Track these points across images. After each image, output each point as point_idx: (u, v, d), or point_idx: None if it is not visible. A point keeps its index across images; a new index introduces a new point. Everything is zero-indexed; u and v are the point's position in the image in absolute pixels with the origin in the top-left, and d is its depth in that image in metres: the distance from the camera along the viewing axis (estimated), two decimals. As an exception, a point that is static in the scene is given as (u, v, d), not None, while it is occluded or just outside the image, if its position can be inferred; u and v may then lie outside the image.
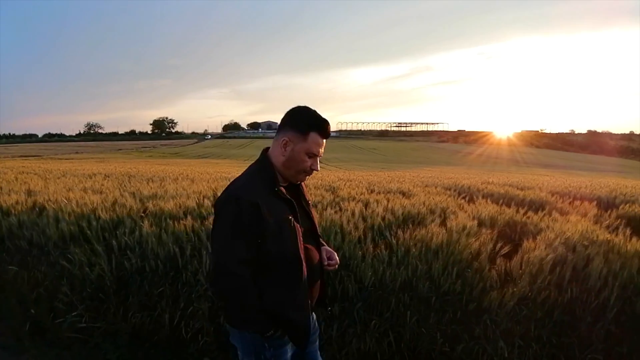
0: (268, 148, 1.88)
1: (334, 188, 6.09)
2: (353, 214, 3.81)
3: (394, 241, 3.21)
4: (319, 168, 1.86)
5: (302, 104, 1.84)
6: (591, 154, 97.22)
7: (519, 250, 3.25)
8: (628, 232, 3.73)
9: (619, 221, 4.79)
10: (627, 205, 5.88)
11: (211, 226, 1.80)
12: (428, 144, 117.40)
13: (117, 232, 3.58)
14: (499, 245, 3.27)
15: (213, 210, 1.78)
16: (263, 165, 1.83)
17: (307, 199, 1.99)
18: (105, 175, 9.48)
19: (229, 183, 1.87)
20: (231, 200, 1.71)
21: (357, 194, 5.23)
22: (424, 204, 4.49)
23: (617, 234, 3.66)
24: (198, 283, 3.10)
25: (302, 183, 1.96)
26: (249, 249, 1.69)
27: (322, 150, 1.83)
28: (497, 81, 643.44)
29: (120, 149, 74.67)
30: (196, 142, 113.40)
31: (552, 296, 2.91)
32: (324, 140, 1.83)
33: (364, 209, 4.08)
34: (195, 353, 3.02)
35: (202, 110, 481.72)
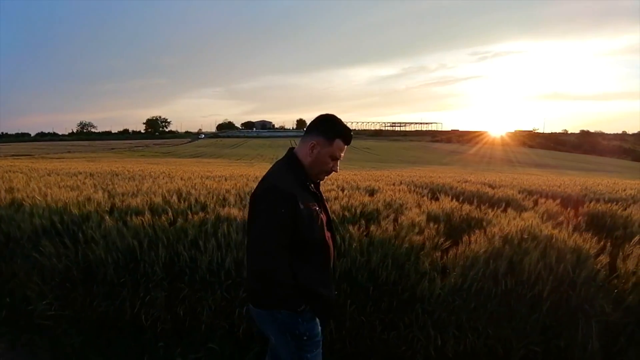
0: (293, 147, 2.15)
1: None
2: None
3: (338, 236, 3.39)
4: (338, 170, 2.14)
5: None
6: (583, 153, 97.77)
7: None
8: (571, 228, 3.92)
9: (578, 219, 4.99)
10: (592, 203, 6.05)
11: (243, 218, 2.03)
12: (422, 143, 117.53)
13: (85, 226, 3.78)
14: (441, 239, 3.44)
15: (252, 200, 2.01)
16: (293, 163, 2.08)
17: (324, 198, 2.28)
18: (89, 174, 9.62)
19: (262, 179, 2.10)
20: (272, 191, 1.97)
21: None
22: (383, 201, 4.69)
23: (560, 230, 3.74)
24: (154, 273, 3.33)
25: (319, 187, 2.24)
26: (287, 234, 1.93)
27: (343, 154, 2.11)
28: (491, 81, 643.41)
29: (113, 148, 74.57)
30: (189, 142, 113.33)
31: (486, 288, 3.04)
32: (346, 147, 2.11)
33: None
34: (152, 338, 3.23)
35: (196, 110, 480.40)
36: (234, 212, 3.81)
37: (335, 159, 2.09)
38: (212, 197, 4.73)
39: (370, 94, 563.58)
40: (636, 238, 3.51)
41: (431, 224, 3.72)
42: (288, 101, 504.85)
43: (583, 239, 3.43)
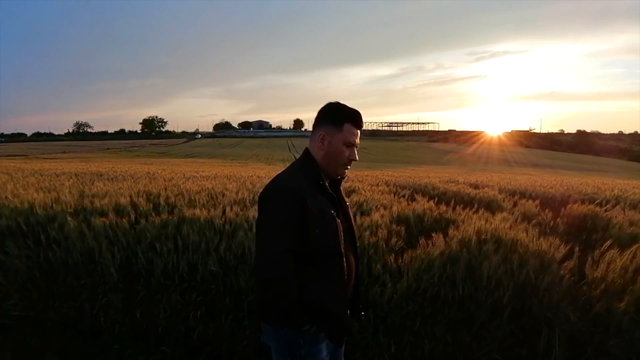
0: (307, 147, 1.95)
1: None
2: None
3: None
4: (357, 157, 1.90)
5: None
6: (580, 153, 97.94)
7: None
8: (536, 231, 3.82)
9: (557, 220, 4.95)
10: (577, 204, 6.01)
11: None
12: (419, 143, 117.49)
13: (49, 227, 3.77)
14: (395, 239, 3.39)
15: (258, 202, 1.81)
16: (307, 161, 1.88)
17: (345, 200, 2.02)
18: (74, 174, 9.58)
19: (271, 179, 1.89)
20: (278, 191, 1.76)
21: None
22: (357, 202, 4.68)
23: (527, 233, 3.63)
24: (111, 276, 3.32)
25: (340, 187, 2.00)
26: (292, 238, 1.71)
27: (357, 140, 1.89)
28: (488, 81, 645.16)
29: (109, 149, 74.30)
30: (186, 142, 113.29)
31: (443, 293, 2.93)
32: (358, 131, 1.90)
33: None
34: (110, 340, 3.23)
35: (194, 109, 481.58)
36: (199, 212, 3.79)
37: (350, 145, 1.86)
38: (183, 198, 4.71)
39: (367, 93, 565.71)
40: (607, 243, 3.39)
41: (394, 225, 3.68)
42: (285, 101, 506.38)
43: (548, 242, 3.32)
